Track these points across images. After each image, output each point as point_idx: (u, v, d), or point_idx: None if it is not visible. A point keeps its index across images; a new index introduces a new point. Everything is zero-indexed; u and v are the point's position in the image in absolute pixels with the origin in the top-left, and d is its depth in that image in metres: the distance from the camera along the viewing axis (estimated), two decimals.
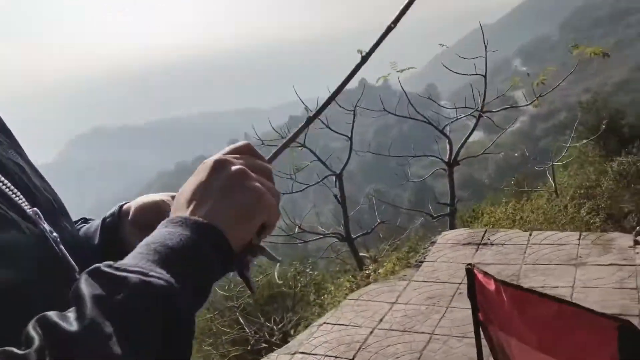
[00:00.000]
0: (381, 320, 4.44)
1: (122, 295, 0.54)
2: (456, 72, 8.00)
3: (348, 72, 0.99)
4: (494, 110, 8.65)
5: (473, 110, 8.15)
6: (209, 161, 0.72)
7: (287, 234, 9.73)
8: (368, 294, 4.96)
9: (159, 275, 0.56)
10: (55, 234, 0.75)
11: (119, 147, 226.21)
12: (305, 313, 7.67)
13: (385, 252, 8.20)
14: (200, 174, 0.71)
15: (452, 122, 8.88)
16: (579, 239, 4.96)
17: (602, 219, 12.19)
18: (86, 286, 0.55)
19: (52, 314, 0.52)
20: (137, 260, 0.59)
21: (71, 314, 0.53)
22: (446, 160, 8.65)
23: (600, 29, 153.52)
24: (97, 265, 0.58)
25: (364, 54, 0.99)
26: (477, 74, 8.79)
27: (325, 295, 7.33)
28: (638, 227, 11.78)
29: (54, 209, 0.82)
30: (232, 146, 0.77)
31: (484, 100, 8.57)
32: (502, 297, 1.74)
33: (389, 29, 0.93)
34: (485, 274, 1.89)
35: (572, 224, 10.07)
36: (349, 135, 9.13)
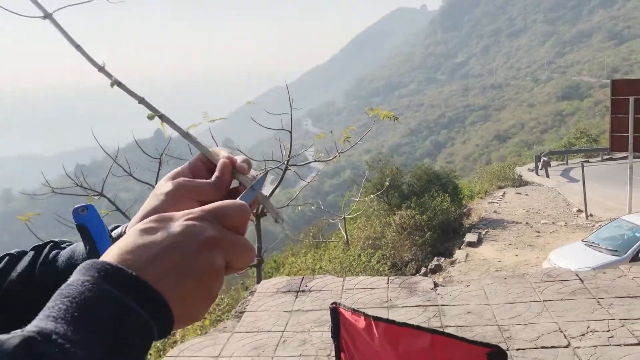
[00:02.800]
0: None
1: None
2: (265, 127, 8.22)
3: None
4: (298, 164, 9.00)
5: (280, 163, 8.40)
6: (201, 231, 0.57)
7: None
8: (189, 349, 4.61)
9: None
10: None
11: None
12: None
13: None
14: (182, 233, 0.56)
15: (258, 174, 8.96)
16: (388, 283, 5.31)
17: (389, 267, 13.36)
18: None
19: None
20: (44, 319, 0.48)
21: None
22: (253, 212, 8.66)
23: (377, 97, 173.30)
24: None
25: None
26: (282, 129, 9.12)
27: None
28: (431, 269, 13.18)
29: None
30: (223, 206, 0.61)
31: (289, 155, 8.89)
32: (372, 333, 1.72)
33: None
34: (354, 311, 1.86)
35: (365, 272, 10.78)
36: (154, 184, 8.69)
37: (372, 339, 1.75)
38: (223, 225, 0.59)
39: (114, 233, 0.80)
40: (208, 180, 0.74)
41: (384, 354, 1.74)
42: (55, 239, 0.84)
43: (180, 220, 0.57)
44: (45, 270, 0.78)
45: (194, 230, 0.56)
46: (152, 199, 0.75)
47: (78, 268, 0.52)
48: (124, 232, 0.78)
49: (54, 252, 0.80)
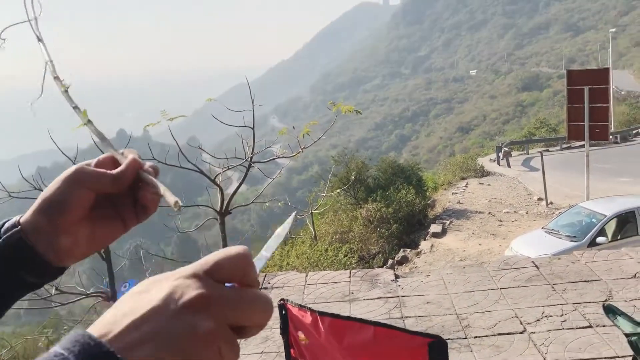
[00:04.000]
0: None
1: None
2: (227, 124, 8.17)
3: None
4: (262, 161, 8.99)
5: (243, 160, 8.37)
6: (188, 291, 0.49)
7: (40, 297, 8.57)
8: None
9: None
10: None
11: None
12: None
13: None
14: (168, 295, 0.49)
15: (223, 171, 8.99)
16: (350, 277, 5.40)
17: (356, 260, 13.50)
18: None
19: None
20: None
21: None
22: (218, 210, 8.66)
23: (343, 92, 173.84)
24: None
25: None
26: (245, 126, 9.06)
27: None
28: (397, 261, 13.37)
29: None
30: (219, 258, 0.51)
31: (252, 152, 8.85)
32: (319, 328, 1.78)
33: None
34: (301, 306, 1.91)
35: (332, 267, 10.87)
36: None
37: (319, 334, 1.80)
38: (217, 279, 0.51)
39: (4, 227, 0.75)
40: (109, 171, 0.72)
41: (330, 348, 1.80)
42: None
43: (170, 280, 0.50)
44: None
45: (178, 290, 0.49)
46: (51, 184, 0.73)
47: (66, 338, 0.46)
48: (17, 224, 0.74)
49: None
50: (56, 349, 0.45)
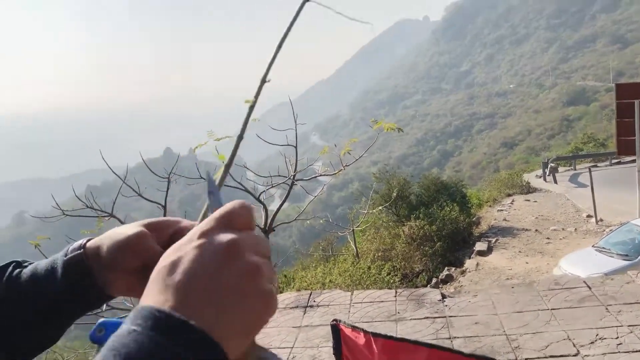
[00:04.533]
0: None
1: None
2: (270, 143, 8.27)
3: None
4: (304, 179, 9.05)
5: (287, 179, 8.45)
6: (218, 241, 0.54)
7: (92, 313, 8.79)
8: None
9: None
10: None
11: None
12: None
13: None
14: (204, 254, 0.54)
15: (267, 189, 9.10)
16: (396, 296, 5.34)
17: (399, 279, 13.34)
18: None
19: None
20: None
21: None
22: (262, 227, 8.75)
23: (382, 109, 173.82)
24: None
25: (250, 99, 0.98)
26: (288, 145, 9.15)
27: None
28: (442, 279, 13.16)
29: None
30: (229, 211, 0.58)
31: (295, 170, 8.92)
32: (372, 349, 1.77)
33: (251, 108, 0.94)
34: (354, 327, 1.91)
35: (375, 285, 10.78)
36: (163, 204, 8.79)
37: (372, 355, 1.79)
38: (234, 227, 0.57)
39: (72, 247, 0.83)
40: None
41: None
42: (18, 259, 0.88)
43: (194, 242, 0.55)
44: (9, 285, 0.81)
45: (209, 247, 0.54)
46: (120, 233, 0.79)
47: (143, 316, 0.49)
48: (82, 246, 0.81)
49: (17, 270, 0.84)
50: (126, 326, 0.49)
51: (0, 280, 0.82)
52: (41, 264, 0.83)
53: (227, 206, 0.59)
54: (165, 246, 0.71)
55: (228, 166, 0.95)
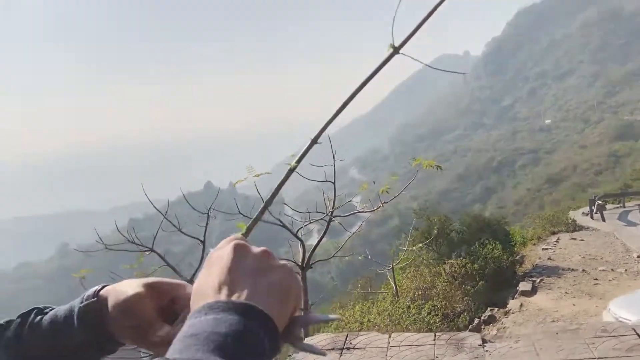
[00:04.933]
0: None
1: None
2: (308, 179, 8.30)
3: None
4: (343, 215, 9.00)
5: (325, 215, 8.44)
6: (225, 248, 0.70)
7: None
8: None
9: None
10: None
11: None
12: None
13: None
14: (220, 261, 0.68)
15: (305, 225, 9.09)
16: (434, 340, 5.18)
17: (440, 319, 12.99)
18: None
19: None
20: (192, 353, 0.55)
21: None
22: (299, 264, 8.71)
23: (422, 143, 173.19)
24: None
25: (293, 163, 1.04)
26: (326, 180, 9.17)
27: None
28: (484, 320, 12.76)
29: None
30: (229, 237, 0.74)
31: (333, 206, 8.93)
32: None
33: (312, 143, 0.98)
34: None
35: (415, 325, 10.52)
36: (202, 239, 8.87)
37: None
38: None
39: (87, 294, 0.89)
40: (154, 335, 0.82)
41: None
42: (40, 306, 0.94)
43: (209, 262, 0.70)
44: (32, 332, 0.87)
45: (223, 252, 0.69)
46: (125, 289, 0.86)
47: (195, 312, 0.61)
48: (96, 294, 0.88)
49: (39, 316, 0.90)
50: (207, 316, 0.59)
51: (24, 327, 0.88)
52: (61, 310, 0.90)
53: (231, 238, 0.74)
54: (165, 309, 0.84)
55: (264, 208, 1.04)
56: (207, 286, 0.65)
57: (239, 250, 0.69)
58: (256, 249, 0.70)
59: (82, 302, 0.88)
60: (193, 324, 0.59)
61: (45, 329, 0.87)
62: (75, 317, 0.87)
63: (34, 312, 0.91)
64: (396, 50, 0.92)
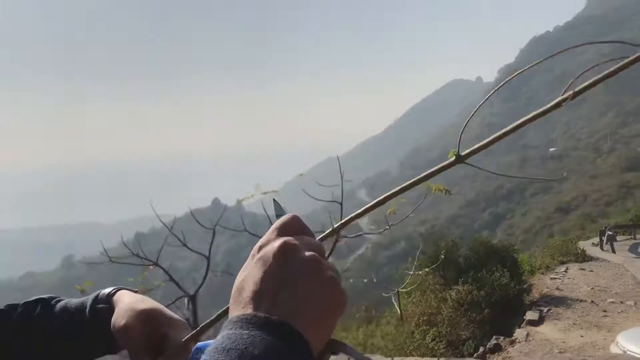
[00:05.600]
0: None
1: None
2: (316, 199, 8.29)
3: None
4: (349, 236, 8.95)
5: (330, 235, 8.35)
6: (272, 247, 0.63)
7: None
8: None
9: None
10: None
11: None
12: None
13: None
14: (264, 262, 0.62)
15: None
16: None
17: (444, 346, 12.81)
18: None
19: None
20: None
21: None
22: None
23: (433, 167, 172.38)
24: None
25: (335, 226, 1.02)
26: (333, 201, 9.14)
27: None
28: (489, 349, 12.56)
29: None
30: (281, 222, 0.68)
31: (339, 226, 8.80)
32: None
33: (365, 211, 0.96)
34: None
35: (418, 350, 10.38)
36: (206, 255, 8.85)
37: None
38: (288, 234, 0.66)
39: (100, 295, 0.96)
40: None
41: None
42: (44, 296, 1.00)
43: (255, 257, 0.64)
44: (40, 320, 0.94)
45: (266, 255, 0.62)
46: (127, 311, 0.88)
47: (232, 322, 0.57)
48: (109, 299, 0.95)
49: (46, 305, 0.98)
50: (242, 330, 0.55)
51: (31, 314, 0.94)
52: (72, 303, 0.97)
53: (279, 220, 0.69)
54: (157, 341, 0.85)
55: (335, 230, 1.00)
56: (248, 288, 0.60)
57: (285, 252, 0.62)
58: (306, 253, 0.62)
59: (94, 301, 0.94)
60: (229, 336, 0.55)
61: (55, 317, 0.94)
62: (87, 312, 0.93)
63: (40, 302, 0.98)
64: (460, 159, 0.91)
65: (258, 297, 0.59)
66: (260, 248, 0.65)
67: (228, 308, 0.68)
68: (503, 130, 0.88)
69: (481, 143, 0.91)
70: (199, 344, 0.83)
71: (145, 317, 0.86)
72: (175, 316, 0.89)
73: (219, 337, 0.56)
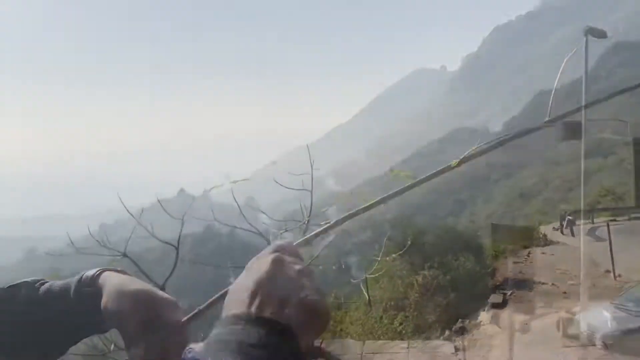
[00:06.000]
0: None
1: None
2: (287, 187, 8.31)
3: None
4: (320, 224, 9.01)
5: (301, 223, 8.42)
6: (266, 260, 0.73)
7: (99, 353, 8.73)
8: None
9: None
10: None
11: None
12: None
13: None
14: (258, 271, 0.72)
15: (281, 233, 9.05)
16: (408, 347, 5.23)
17: (412, 329, 13.06)
18: None
19: None
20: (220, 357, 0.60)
21: None
22: None
23: (399, 156, 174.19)
24: None
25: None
26: (303, 189, 9.15)
27: None
28: (455, 331, 12.85)
29: None
30: (278, 243, 0.78)
31: (310, 214, 8.89)
32: None
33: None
34: None
35: (387, 335, 10.57)
36: (175, 245, 8.79)
37: None
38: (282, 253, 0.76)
39: (86, 275, 0.94)
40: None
41: None
42: (27, 279, 0.99)
43: (251, 268, 0.74)
44: (29, 294, 0.94)
45: (260, 265, 0.72)
46: (123, 296, 0.90)
47: (227, 318, 0.65)
48: (94, 280, 0.93)
49: (37, 284, 0.96)
50: (239, 326, 0.63)
51: (16, 296, 0.94)
52: (55, 284, 0.95)
53: (280, 243, 0.78)
54: (150, 321, 0.86)
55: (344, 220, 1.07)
56: (243, 293, 0.69)
57: (277, 265, 0.72)
58: (294, 267, 0.72)
59: (79, 284, 0.92)
60: (226, 330, 0.64)
61: (40, 300, 0.92)
62: (71, 293, 0.91)
63: (23, 285, 0.96)
64: (459, 164, 1.02)
65: (250, 299, 0.67)
66: (256, 260, 0.75)
67: (226, 292, 0.77)
68: (501, 139, 0.96)
69: (478, 149, 1.00)
70: (191, 346, 0.85)
71: (137, 298, 0.86)
72: (167, 296, 0.89)
73: (214, 331, 0.64)
